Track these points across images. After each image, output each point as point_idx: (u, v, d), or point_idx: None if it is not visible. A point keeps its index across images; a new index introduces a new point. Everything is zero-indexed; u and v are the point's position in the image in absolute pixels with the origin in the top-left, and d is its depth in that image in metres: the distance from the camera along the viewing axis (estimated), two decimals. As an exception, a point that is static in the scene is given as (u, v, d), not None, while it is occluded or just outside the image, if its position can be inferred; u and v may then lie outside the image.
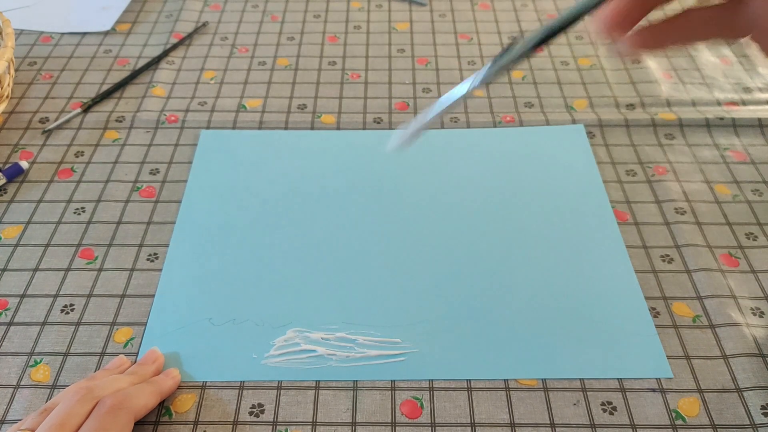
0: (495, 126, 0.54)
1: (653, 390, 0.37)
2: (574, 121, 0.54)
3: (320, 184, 0.49)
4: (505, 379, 0.37)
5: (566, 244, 0.45)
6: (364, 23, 0.67)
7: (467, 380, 0.37)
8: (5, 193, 0.49)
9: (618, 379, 0.37)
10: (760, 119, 0.54)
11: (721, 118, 0.54)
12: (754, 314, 0.40)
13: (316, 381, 0.37)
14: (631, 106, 0.56)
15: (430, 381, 0.37)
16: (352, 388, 0.37)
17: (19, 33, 0.66)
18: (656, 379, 0.37)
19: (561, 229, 0.45)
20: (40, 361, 0.38)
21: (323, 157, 0.51)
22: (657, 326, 0.40)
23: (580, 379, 0.37)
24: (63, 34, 0.66)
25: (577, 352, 0.38)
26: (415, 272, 0.43)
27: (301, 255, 0.44)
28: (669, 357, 0.38)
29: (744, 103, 0.56)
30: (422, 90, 0.58)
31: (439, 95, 0.58)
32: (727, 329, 0.39)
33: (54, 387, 0.37)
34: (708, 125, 0.54)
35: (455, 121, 0.55)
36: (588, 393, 0.37)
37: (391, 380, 0.37)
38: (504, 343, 0.39)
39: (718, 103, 0.56)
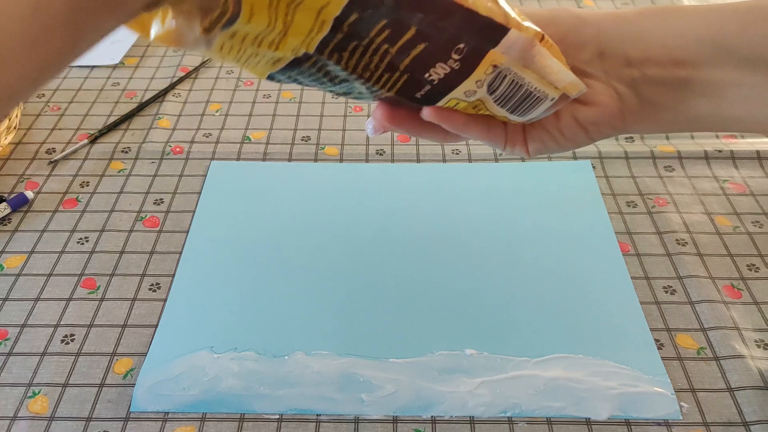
0: (496, 158, 0.55)
1: (659, 424, 0.36)
2: (574, 153, 0.55)
3: (327, 216, 0.49)
4: (509, 417, 0.37)
5: (573, 283, 0.44)
6: (366, 58, 0.69)
7: (470, 416, 0.37)
8: (9, 222, 0.49)
9: (625, 419, 0.37)
10: (758, 152, 0.54)
11: (720, 151, 0.55)
12: (758, 346, 0.40)
13: (317, 414, 0.37)
14: (630, 139, 0.57)
15: (432, 416, 0.37)
16: (353, 421, 0.37)
17: (29, 66, 0.67)
18: (664, 420, 0.37)
19: (569, 269, 0.45)
20: (39, 392, 0.38)
21: (330, 189, 0.52)
22: (662, 358, 0.39)
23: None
24: (72, 67, 0.67)
25: (584, 391, 0.38)
26: (417, 305, 0.43)
27: (306, 286, 0.44)
28: (674, 389, 0.38)
29: (742, 136, 0.57)
30: (424, 122, 0.59)
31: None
32: (731, 361, 0.39)
33: (52, 419, 0.37)
34: (707, 157, 0.54)
35: (456, 153, 0.55)
36: (593, 427, 0.36)
37: (393, 416, 0.37)
38: (506, 380, 0.39)
39: (717, 136, 0.57)
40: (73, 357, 0.40)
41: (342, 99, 0.62)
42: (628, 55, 0.30)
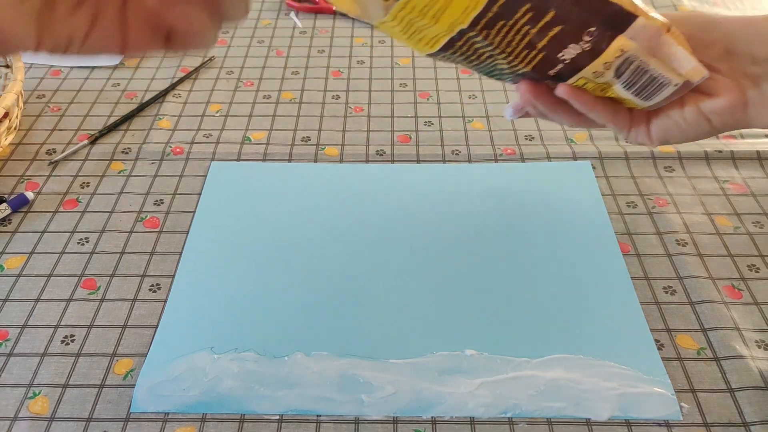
0: (496, 158, 0.55)
1: (659, 424, 0.36)
2: (574, 154, 0.55)
3: (327, 216, 0.49)
4: (509, 417, 0.37)
5: (573, 283, 0.44)
6: (367, 58, 0.69)
7: (470, 417, 0.37)
8: (9, 223, 0.49)
9: (626, 419, 0.37)
10: (758, 152, 0.54)
11: (720, 151, 0.55)
12: (759, 347, 0.40)
13: (317, 415, 0.37)
14: (630, 139, 0.57)
15: (432, 416, 0.37)
16: (353, 422, 0.37)
17: (29, 67, 0.67)
18: (665, 421, 0.36)
19: (569, 269, 0.45)
20: (39, 393, 0.38)
21: (330, 190, 0.52)
22: (662, 358, 0.39)
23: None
24: (72, 68, 0.67)
25: (584, 391, 0.38)
26: (417, 306, 0.43)
27: (306, 287, 0.44)
28: (675, 390, 0.38)
29: (742, 136, 0.57)
30: (424, 123, 0.59)
31: (441, 128, 0.58)
32: (732, 362, 0.39)
33: (52, 419, 0.37)
34: (707, 158, 0.54)
35: (456, 154, 0.55)
36: (593, 427, 0.36)
37: (393, 416, 0.37)
38: (507, 381, 0.39)
39: (716, 137, 0.57)
40: (74, 358, 0.40)
41: (341, 99, 0.62)
42: (754, 54, 0.33)
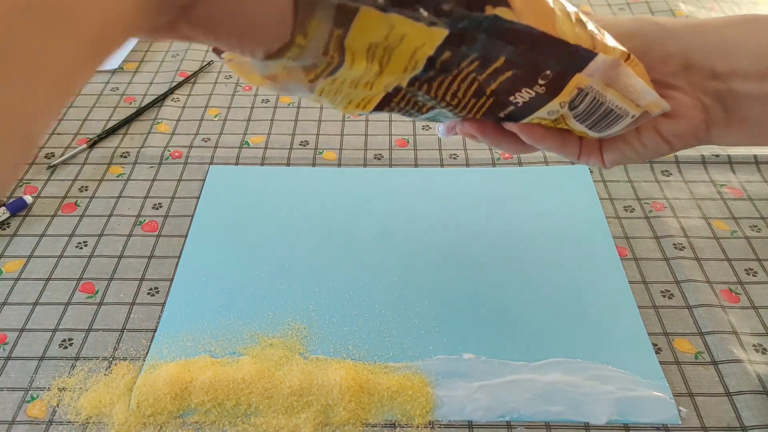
0: (494, 162, 0.55)
1: (657, 429, 0.36)
2: (572, 158, 0.55)
3: (325, 220, 0.49)
4: (507, 421, 0.37)
5: (571, 287, 0.44)
6: (365, 62, 0.69)
7: (468, 421, 0.37)
8: (8, 227, 0.49)
9: (624, 423, 0.37)
10: (755, 156, 0.55)
11: (717, 155, 0.55)
12: (757, 350, 0.40)
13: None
14: (627, 144, 0.57)
15: (430, 420, 0.37)
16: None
17: (29, 71, 0.67)
18: (663, 425, 0.37)
19: (567, 273, 0.45)
20: (37, 397, 0.38)
21: (329, 194, 0.52)
22: (660, 362, 0.39)
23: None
24: (71, 72, 0.67)
25: (582, 395, 0.38)
26: (415, 310, 0.43)
27: (303, 291, 0.44)
28: (673, 394, 0.38)
29: (739, 140, 0.57)
30: (422, 127, 0.59)
31: (438, 132, 0.59)
32: (730, 366, 0.39)
33: (50, 423, 0.37)
34: (704, 162, 0.55)
35: (454, 158, 0.55)
36: (591, 431, 0.36)
37: (392, 420, 0.37)
38: (505, 384, 0.39)
39: (714, 141, 0.57)
40: (72, 361, 0.40)
41: (341, 104, 0.62)
42: (714, 68, 0.30)
